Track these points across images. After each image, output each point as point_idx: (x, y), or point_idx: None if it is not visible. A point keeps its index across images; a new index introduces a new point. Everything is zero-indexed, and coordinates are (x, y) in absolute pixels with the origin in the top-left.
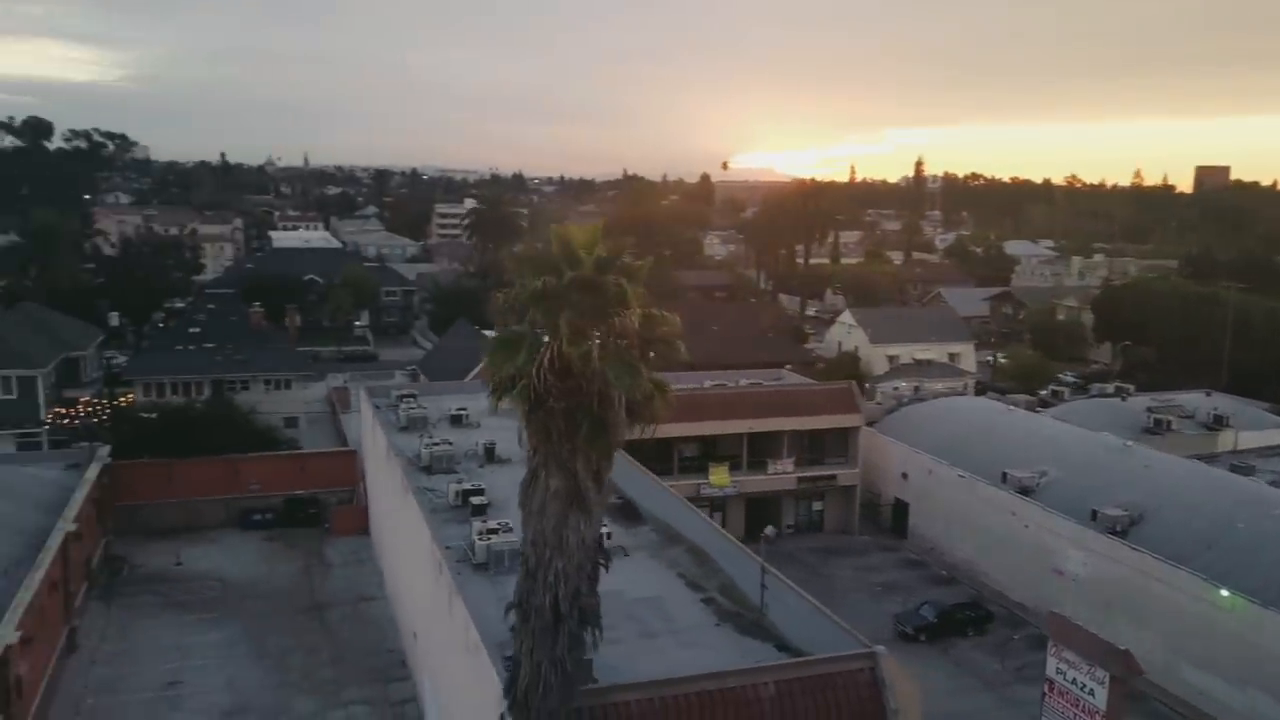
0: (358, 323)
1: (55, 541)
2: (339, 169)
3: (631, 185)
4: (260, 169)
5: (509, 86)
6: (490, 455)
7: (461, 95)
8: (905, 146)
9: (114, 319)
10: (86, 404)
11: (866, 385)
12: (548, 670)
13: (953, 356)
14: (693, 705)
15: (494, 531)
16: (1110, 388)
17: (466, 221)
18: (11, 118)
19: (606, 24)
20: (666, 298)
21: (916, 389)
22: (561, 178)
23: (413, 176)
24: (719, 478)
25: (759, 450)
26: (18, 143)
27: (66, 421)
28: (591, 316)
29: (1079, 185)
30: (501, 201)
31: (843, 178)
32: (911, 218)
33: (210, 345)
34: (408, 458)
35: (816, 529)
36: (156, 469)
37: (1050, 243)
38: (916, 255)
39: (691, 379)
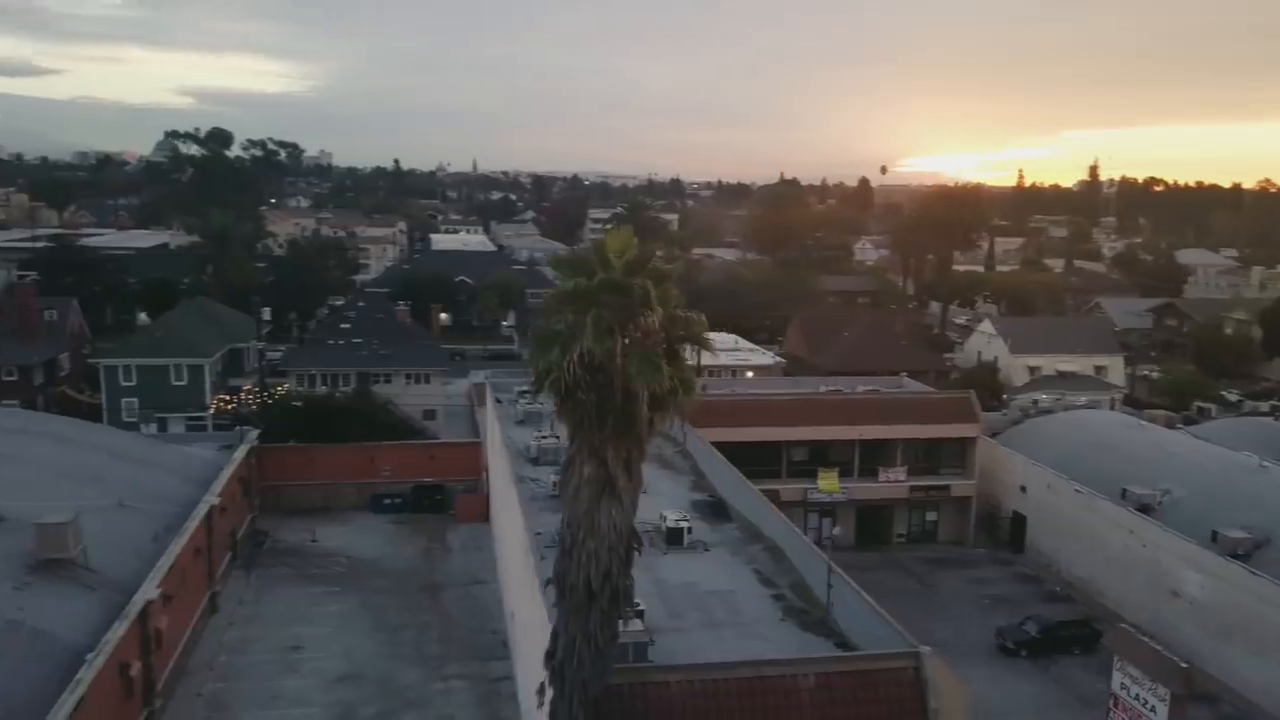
0: (505, 323)
1: (200, 513)
2: (505, 174)
3: (784, 190)
4: (431, 174)
5: (672, 91)
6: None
7: (626, 101)
8: (1081, 149)
9: (266, 314)
10: (246, 392)
11: (1004, 396)
12: (581, 645)
13: (1099, 369)
14: (731, 690)
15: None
16: (1266, 406)
17: (607, 227)
18: (196, 129)
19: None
20: (803, 302)
21: (1056, 401)
22: (719, 182)
23: (573, 182)
24: (828, 483)
25: (871, 457)
26: (203, 151)
27: (229, 407)
28: (619, 316)
29: (1275, 190)
30: (641, 207)
31: (1009, 182)
32: (1081, 224)
33: (358, 340)
34: (518, 449)
35: (930, 539)
36: (299, 453)
37: (1234, 252)
38: (1078, 263)
39: (809, 383)
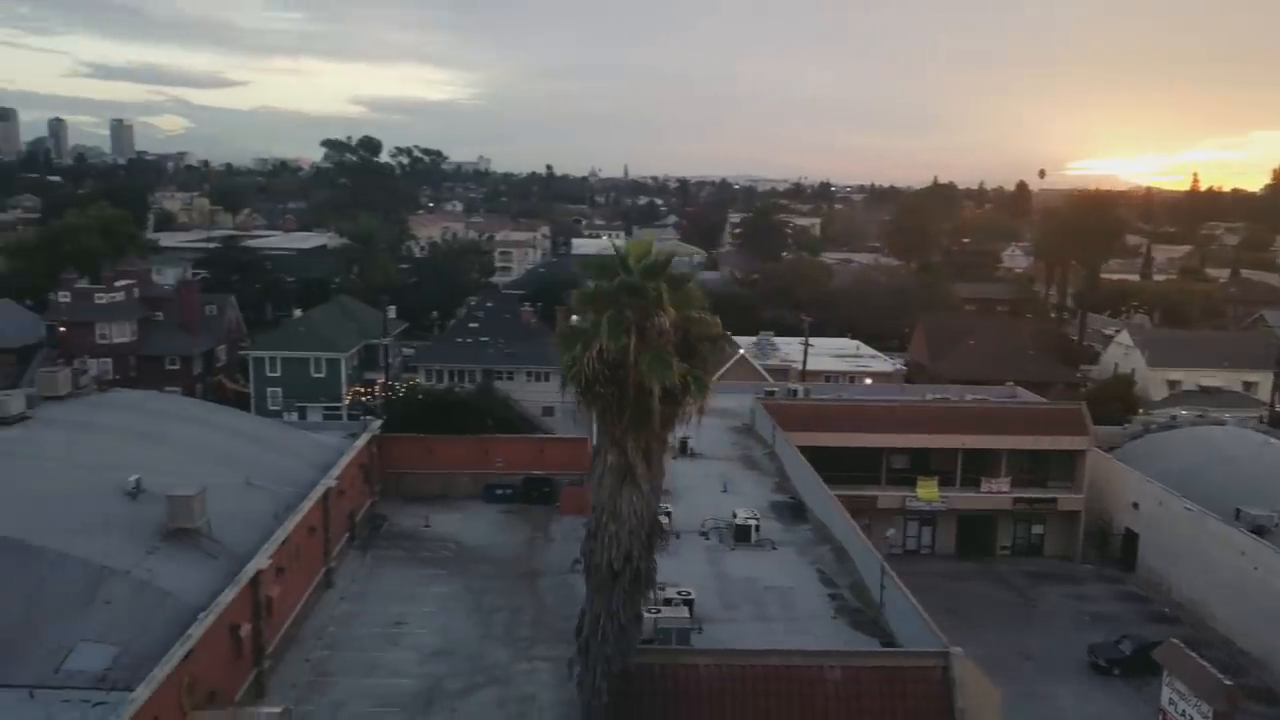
0: None
1: (316, 493)
2: (655, 179)
3: (928, 194)
4: (583, 180)
5: (829, 95)
6: (683, 448)
7: (781, 104)
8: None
9: (391, 312)
10: (381, 385)
11: (1140, 410)
12: (605, 622)
13: (1248, 385)
14: (758, 676)
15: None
16: None
17: (737, 231)
18: (349, 136)
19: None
20: (935, 309)
21: (1198, 417)
22: (872, 185)
23: (721, 186)
24: (927, 491)
25: (974, 467)
26: (353, 159)
27: (361, 398)
28: (634, 316)
29: None
30: (773, 211)
31: (1184, 186)
32: (1259, 231)
33: (485, 339)
34: None
35: (1036, 553)
36: (419, 443)
37: None
38: (1244, 273)
39: (917, 391)
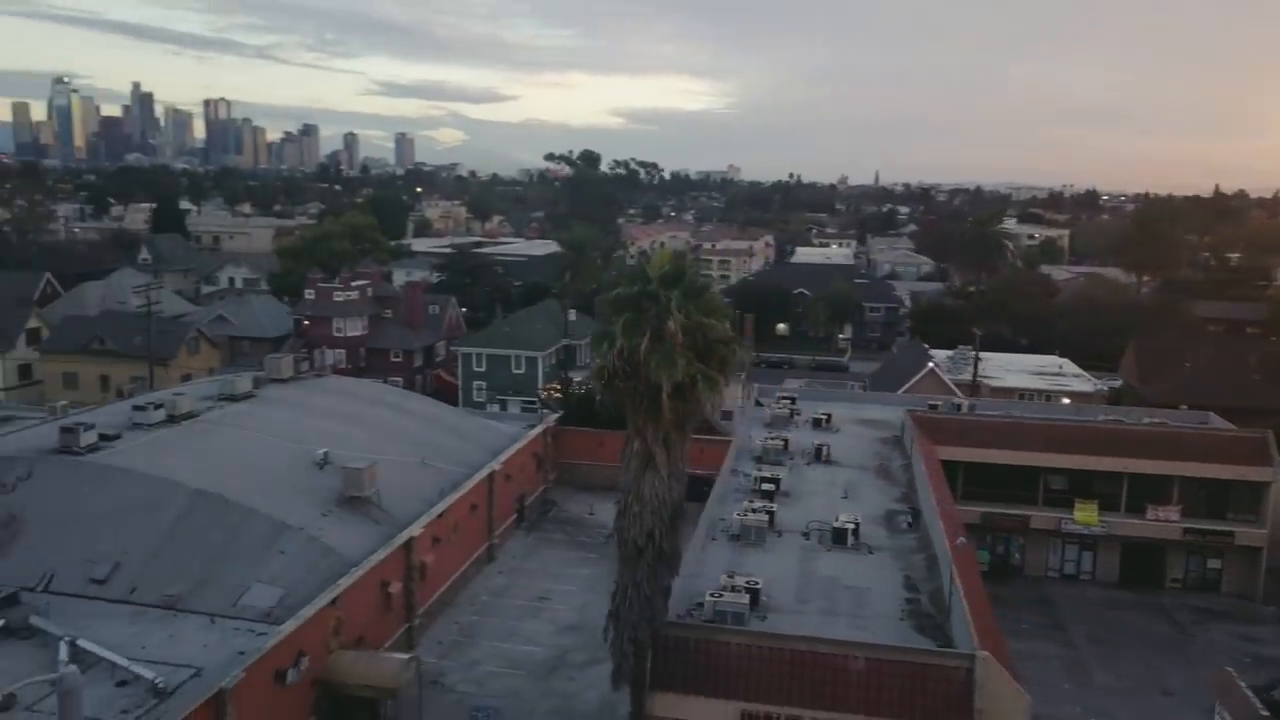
0: (841, 335)
1: (480, 475)
2: (906, 186)
3: (1179, 205)
4: (831, 187)
5: (1103, 98)
6: (819, 454)
7: (1049, 108)
8: None
9: (572, 315)
10: (576, 382)
11: None
12: (631, 593)
13: None
14: (784, 659)
15: (754, 512)
16: None
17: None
18: (571, 151)
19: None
20: (1160, 328)
21: None
22: (1146, 194)
23: (974, 194)
24: (1085, 515)
25: (1143, 492)
26: (580, 169)
27: (545, 394)
28: (648, 319)
29: None
30: (990, 220)
31: None
32: None
33: None
34: (749, 447)
35: (1211, 589)
36: (591, 437)
37: None
38: None
39: (1091, 410)
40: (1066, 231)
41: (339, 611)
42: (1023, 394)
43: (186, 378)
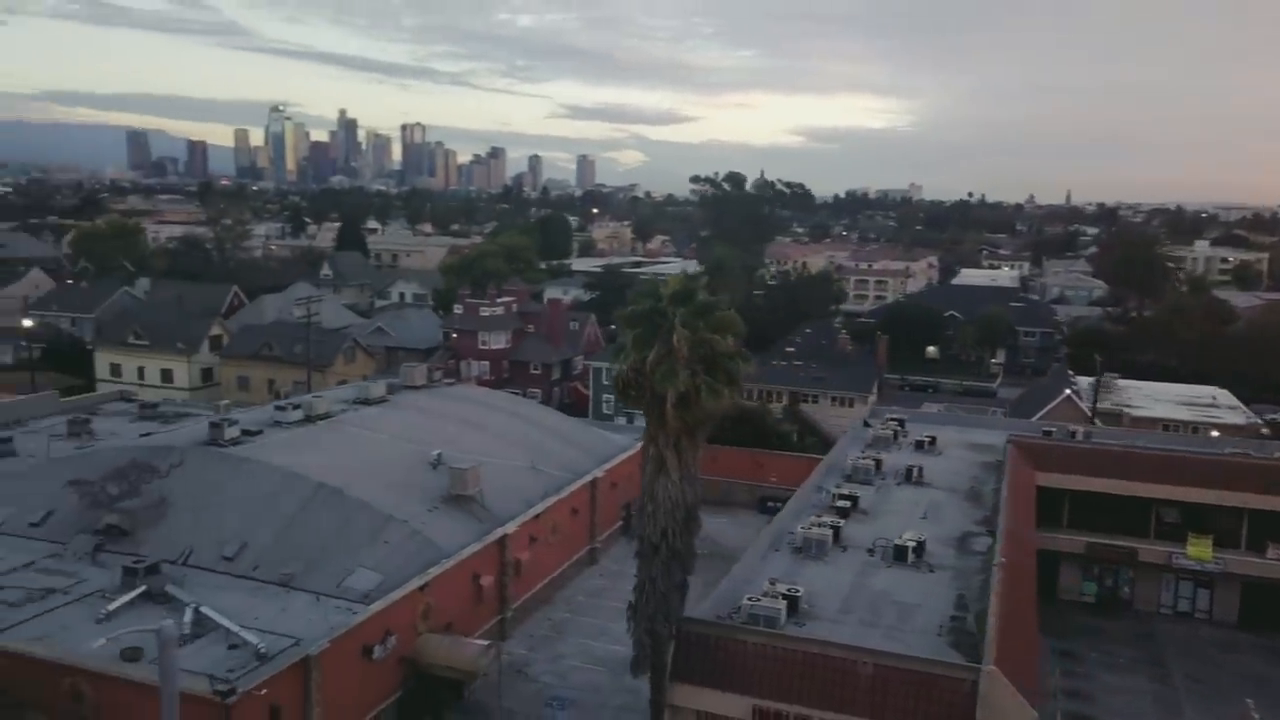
0: (994, 360)
1: (582, 482)
2: (1100, 206)
3: None
4: (1018, 207)
5: None
6: (909, 475)
7: (1269, 125)
8: None
9: None
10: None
11: None
12: (648, 588)
13: None
14: (796, 660)
15: (819, 526)
16: None
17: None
18: (716, 172)
19: None
20: None
21: None
22: None
23: (1174, 214)
24: (1198, 550)
25: (1266, 529)
26: (717, 192)
27: None
28: (656, 334)
29: None
30: (1146, 243)
31: None
32: None
33: (799, 363)
34: (840, 465)
35: None
36: (704, 451)
37: None
38: None
39: (1220, 443)
40: (1266, 255)
41: (428, 597)
42: (1167, 425)
43: (341, 383)
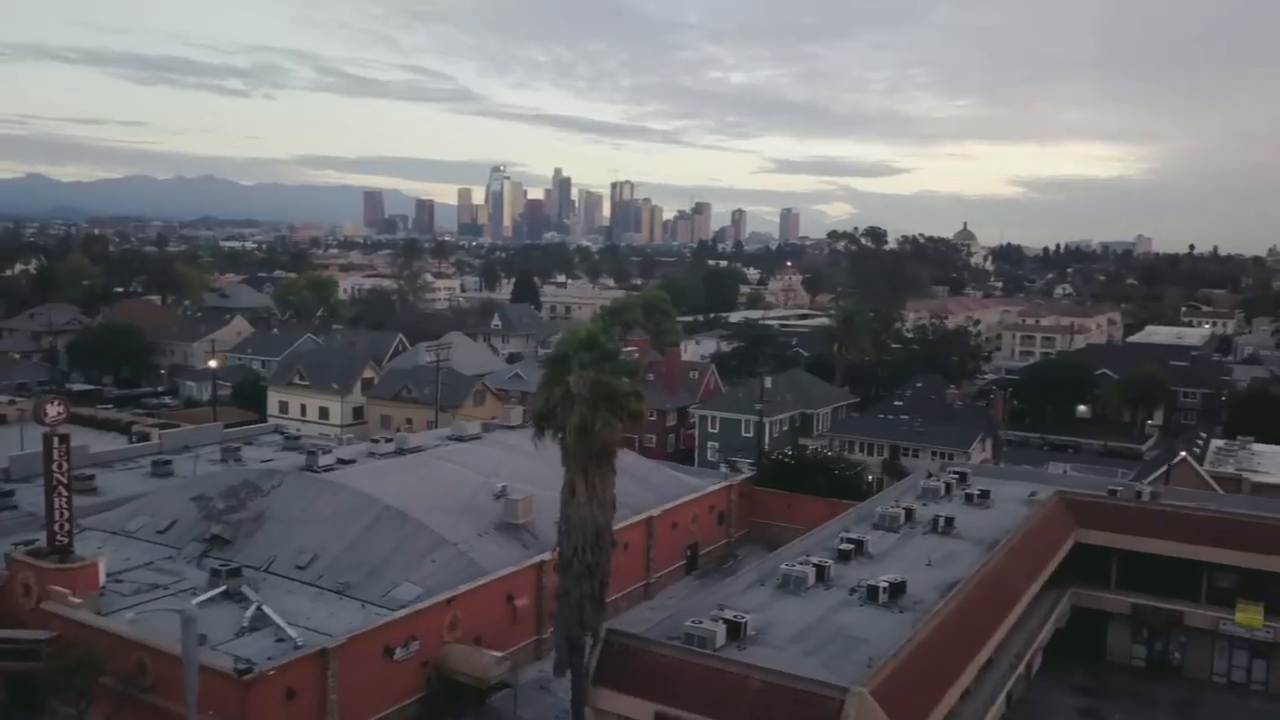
0: (1150, 421)
1: (637, 519)
2: None
3: None
4: (1255, 260)
5: None
6: (935, 525)
7: None
8: None
9: (768, 381)
10: (816, 449)
11: None
12: (564, 599)
13: None
14: (695, 672)
15: (803, 564)
16: None
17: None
18: (855, 228)
19: None
20: None
21: None
22: None
23: None
24: (1247, 617)
25: None
26: (863, 246)
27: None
28: (564, 375)
29: None
30: None
31: None
32: None
33: (904, 416)
34: (870, 513)
35: None
36: (781, 499)
37: None
38: None
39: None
40: None
41: (456, 610)
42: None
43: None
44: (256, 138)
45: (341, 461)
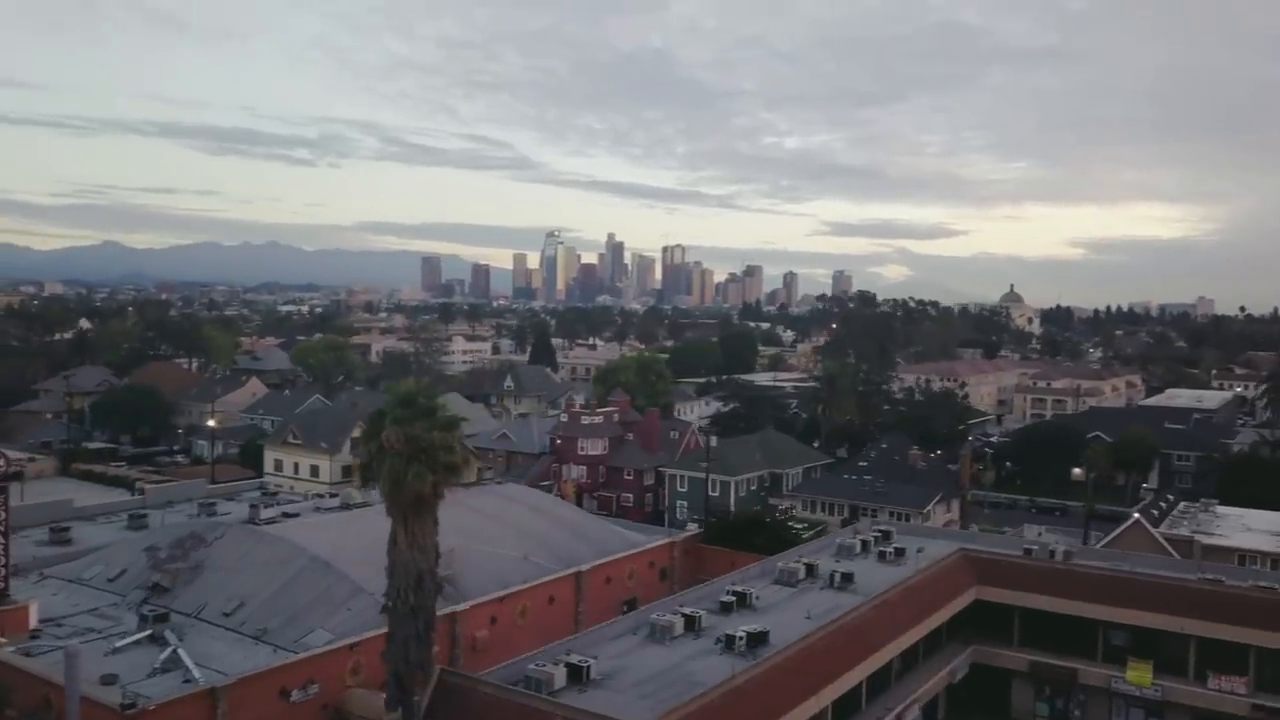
0: (1145, 485)
1: (564, 573)
2: None
3: None
4: None
5: None
6: (832, 580)
7: None
8: None
9: (714, 441)
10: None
11: None
12: (389, 638)
13: None
14: (516, 711)
15: (673, 615)
16: None
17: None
18: (846, 290)
19: None
20: None
21: None
22: None
23: None
24: (1137, 675)
25: (1215, 658)
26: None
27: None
28: (379, 429)
29: None
30: None
31: None
32: None
33: (867, 476)
34: (771, 569)
35: None
36: (724, 556)
37: None
38: None
39: (1216, 570)
40: None
41: (359, 656)
42: (1243, 555)
43: None
44: (321, 205)
45: (287, 515)
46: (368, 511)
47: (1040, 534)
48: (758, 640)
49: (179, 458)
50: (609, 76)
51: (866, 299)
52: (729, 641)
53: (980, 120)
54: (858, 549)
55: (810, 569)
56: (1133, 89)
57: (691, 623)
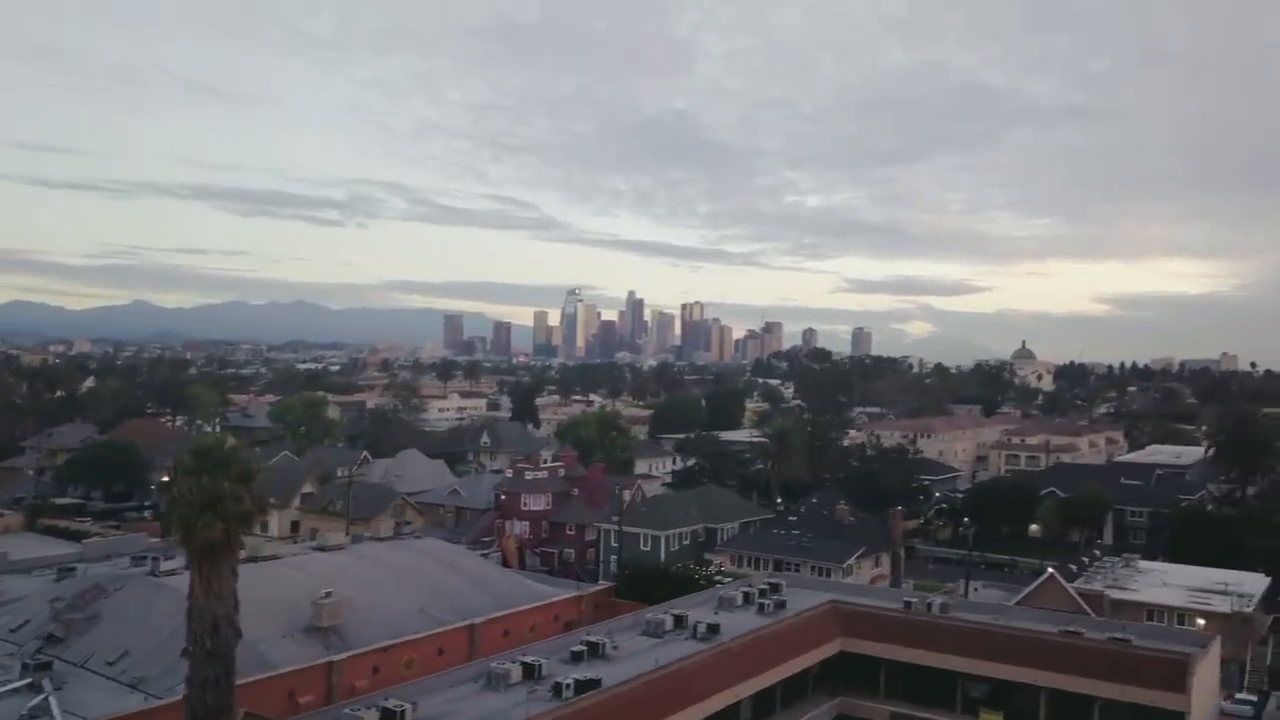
0: (1099, 540)
1: (455, 625)
2: None
3: None
4: None
5: None
6: (696, 631)
7: None
8: None
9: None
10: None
11: None
12: (190, 681)
13: None
14: None
15: (512, 664)
16: None
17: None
18: (804, 348)
19: None
20: None
21: None
22: None
23: None
24: None
25: (1065, 710)
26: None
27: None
28: (174, 484)
29: None
30: (1252, 416)
31: None
32: None
33: (796, 531)
34: (641, 620)
35: None
36: (632, 607)
37: None
38: None
39: (1092, 625)
40: None
41: (243, 701)
42: (1150, 610)
43: (360, 537)
44: (348, 264)
45: (187, 568)
46: (274, 564)
47: (977, 589)
48: (587, 687)
49: (147, 513)
50: (634, 138)
51: (820, 355)
52: (558, 689)
53: (1004, 178)
54: (739, 601)
55: (679, 620)
56: (1159, 145)
57: (531, 670)
